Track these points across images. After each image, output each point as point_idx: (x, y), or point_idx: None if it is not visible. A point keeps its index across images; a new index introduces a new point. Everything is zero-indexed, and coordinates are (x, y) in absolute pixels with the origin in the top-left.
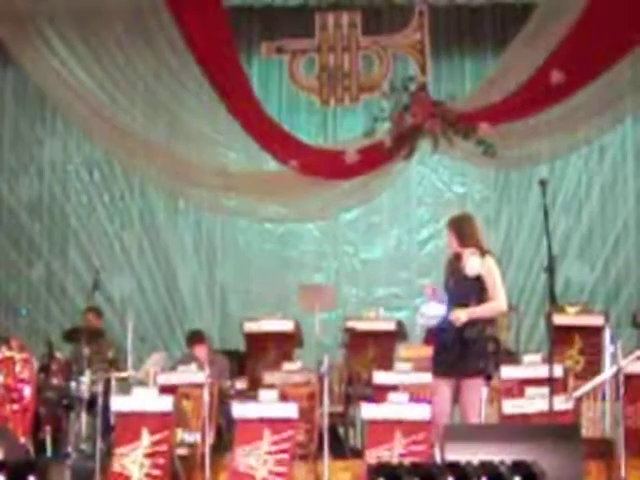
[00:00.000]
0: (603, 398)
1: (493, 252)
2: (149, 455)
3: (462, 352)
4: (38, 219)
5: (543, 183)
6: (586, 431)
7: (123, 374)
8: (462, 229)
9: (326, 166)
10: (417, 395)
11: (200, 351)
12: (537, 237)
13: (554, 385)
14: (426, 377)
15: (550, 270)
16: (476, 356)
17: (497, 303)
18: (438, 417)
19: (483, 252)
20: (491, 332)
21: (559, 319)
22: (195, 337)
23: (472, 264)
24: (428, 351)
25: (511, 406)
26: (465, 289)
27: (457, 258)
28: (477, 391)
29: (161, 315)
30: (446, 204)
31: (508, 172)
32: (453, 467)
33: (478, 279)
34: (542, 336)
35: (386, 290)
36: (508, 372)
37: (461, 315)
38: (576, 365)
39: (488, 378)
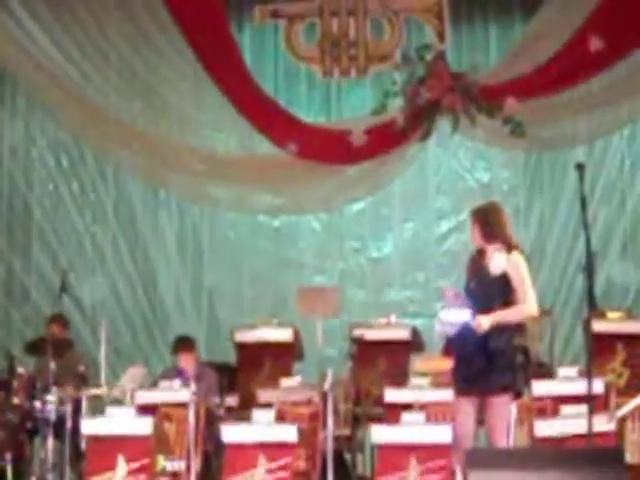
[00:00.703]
0: None
1: (522, 248)
2: None
3: (486, 365)
4: None
5: (580, 168)
6: (630, 456)
7: (95, 391)
8: (487, 221)
9: (329, 149)
10: (435, 415)
11: (186, 360)
12: (573, 231)
13: (593, 403)
14: (446, 394)
15: (589, 269)
16: (502, 369)
17: (526, 306)
18: (460, 440)
19: (510, 247)
20: (520, 341)
21: (599, 326)
22: (183, 343)
23: (496, 261)
24: (448, 364)
25: (544, 427)
26: (488, 290)
27: (481, 255)
28: (504, 410)
29: (139, 323)
30: (468, 193)
31: (540, 155)
32: None
33: (503, 278)
34: (579, 346)
35: (399, 293)
36: (540, 388)
37: (484, 321)
38: (619, 379)
39: (517, 395)
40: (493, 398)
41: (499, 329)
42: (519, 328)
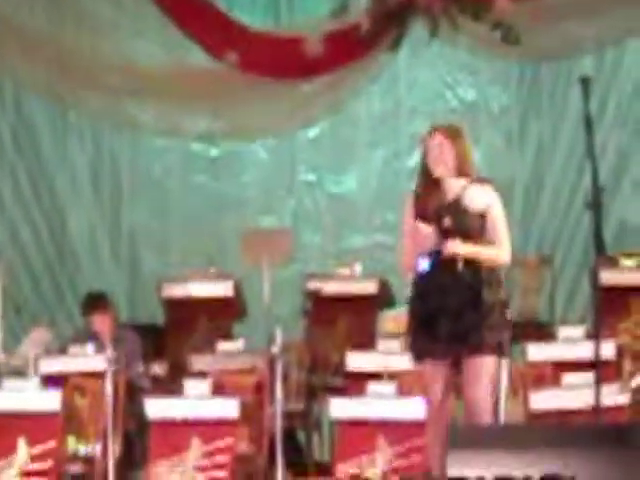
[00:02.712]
0: None
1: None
2: (28, 474)
3: (478, 321)
4: None
5: (585, 82)
6: None
7: None
8: (467, 146)
9: (278, 60)
10: (409, 385)
11: (101, 322)
12: (578, 161)
13: (602, 370)
14: None
15: (596, 207)
16: (495, 326)
17: (502, 250)
18: (434, 414)
19: (482, 181)
20: (504, 294)
21: (610, 276)
22: (94, 302)
23: (476, 195)
24: None
25: (542, 399)
26: (469, 228)
27: (434, 188)
28: (487, 374)
29: (44, 275)
30: (449, 115)
31: (537, 68)
32: None
33: (483, 215)
34: (586, 301)
35: (365, 237)
36: (538, 351)
37: (459, 247)
38: (634, 342)
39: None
40: (474, 360)
41: (488, 280)
42: (498, 277)
